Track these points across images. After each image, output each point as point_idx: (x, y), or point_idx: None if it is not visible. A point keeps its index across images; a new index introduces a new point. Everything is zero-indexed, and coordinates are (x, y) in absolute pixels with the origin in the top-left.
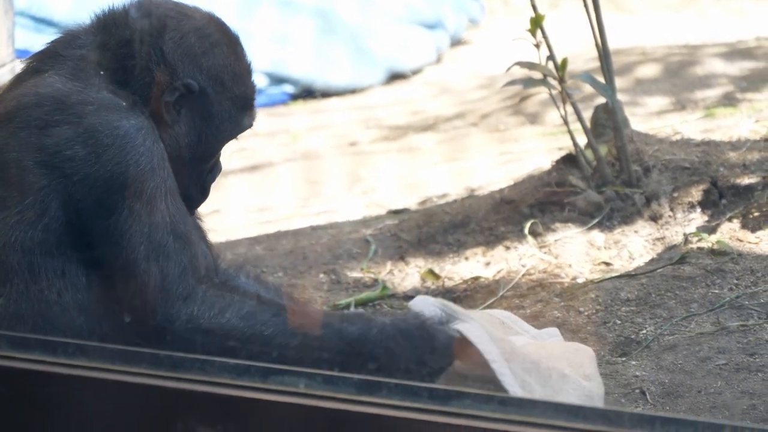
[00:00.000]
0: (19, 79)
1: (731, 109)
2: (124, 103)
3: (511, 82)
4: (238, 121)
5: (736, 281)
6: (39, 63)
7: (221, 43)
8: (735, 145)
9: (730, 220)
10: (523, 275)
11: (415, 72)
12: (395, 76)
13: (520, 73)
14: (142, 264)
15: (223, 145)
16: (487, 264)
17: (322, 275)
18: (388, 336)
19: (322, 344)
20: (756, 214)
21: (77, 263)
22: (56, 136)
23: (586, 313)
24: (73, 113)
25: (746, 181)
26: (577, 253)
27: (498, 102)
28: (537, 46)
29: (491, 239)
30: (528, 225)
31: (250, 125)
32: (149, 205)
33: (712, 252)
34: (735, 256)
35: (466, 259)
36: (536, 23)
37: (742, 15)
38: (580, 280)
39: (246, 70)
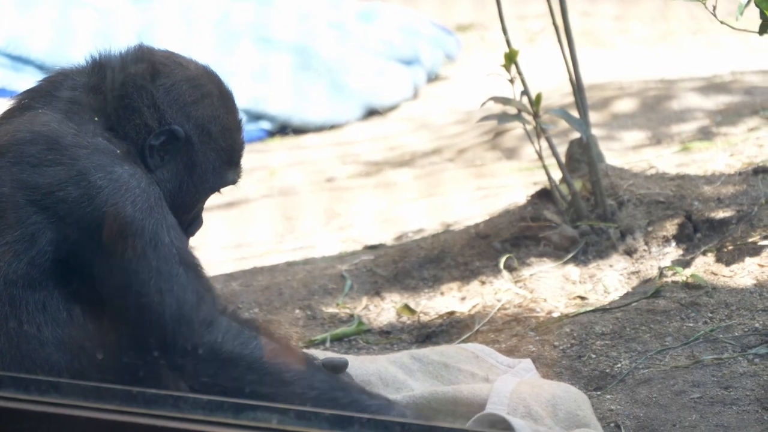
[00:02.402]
0: (9, 114)
1: (707, 144)
2: (118, 151)
3: (486, 117)
4: (221, 174)
5: (710, 315)
6: (30, 100)
7: (212, 95)
8: (710, 179)
9: (704, 253)
10: (499, 310)
11: (392, 108)
12: (372, 112)
13: (496, 108)
14: (154, 298)
15: (204, 197)
16: (463, 299)
17: (297, 311)
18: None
19: (335, 405)
20: (730, 247)
21: (59, 298)
22: (49, 177)
23: (561, 347)
24: (67, 155)
25: (721, 215)
26: (552, 287)
27: (475, 137)
28: (511, 81)
29: (467, 274)
30: (503, 260)
31: (234, 181)
32: (153, 241)
33: (687, 286)
34: (709, 289)
35: (442, 294)
36: (510, 59)
37: (718, 49)
38: (555, 315)
39: (235, 125)
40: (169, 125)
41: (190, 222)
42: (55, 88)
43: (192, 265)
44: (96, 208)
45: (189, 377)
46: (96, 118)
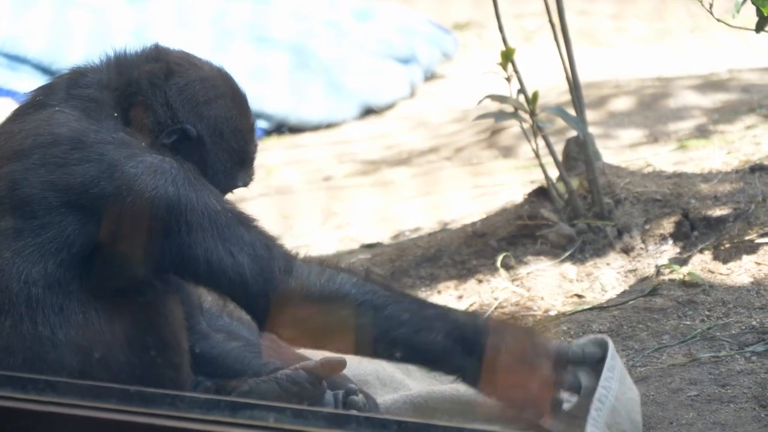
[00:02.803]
0: (23, 112)
1: (704, 141)
2: (142, 143)
3: (483, 116)
4: (233, 175)
5: (707, 313)
6: (45, 98)
7: (226, 96)
8: (707, 177)
9: (701, 251)
10: (496, 308)
11: (389, 106)
12: (369, 111)
13: (493, 106)
14: (227, 261)
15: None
16: (460, 297)
17: None
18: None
19: (431, 324)
20: (727, 245)
21: (76, 300)
22: (80, 176)
23: None
24: (94, 151)
25: (718, 213)
26: (549, 285)
27: (472, 136)
28: (508, 79)
29: (464, 273)
30: (500, 258)
31: (246, 183)
32: (206, 211)
33: (684, 284)
34: (706, 287)
35: (439, 292)
36: (507, 57)
37: (716, 47)
38: (552, 313)
39: (248, 127)
40: (181, 124)
41: None
42: (71, 86)
43: (251, 223)
44: (137, 197)
45: (283, 327)
46: (115, 114)
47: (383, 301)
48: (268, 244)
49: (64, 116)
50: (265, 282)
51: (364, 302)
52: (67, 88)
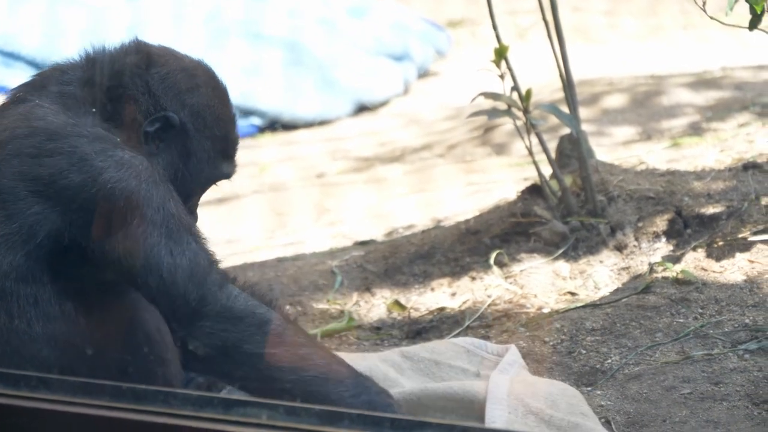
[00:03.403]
0: (4, 108)
1: (697, 139)
2: (118, 139)
3: (477, 113)
4: (216, 165)
5: (700, 310)
6: (25, 94)
7: (207, 85)
8: (700, 175)
9: (694, 249)
10: (489, 306)
11: (383, 103)
12: (363, 108)
13: (486, 103)
14: (166, 260)
15: (200, 188)
16: (453, 295)
17: (288, 307)
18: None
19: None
20: (720, 243)
21: (51, 292)
22: (50, 167)
23: (551, 343)
24: (67, 143)
25: (711, 210)
26: (542, 283)
27: (465, 133)
28: (501, 77)
29: (457, 270)
30: (493, 255)
31: (229, 174)
32: (161, 209)
33: (677, 281)
34: (699, 285)
35: (432, 290)
36: (500, 54)
37: (709, 44)
38: (545, 311)
39: (230, 117)
40: (164, 111)
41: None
42: (50, 83)
43: (201, 238)
44: (100, 188)
45: (197, 337)
46: (93, 110)
47: (299, 340)
48: (210, 259)
49: (43, 110)
50: (194, 287)
51: (283, 335)
52: (47, 85)
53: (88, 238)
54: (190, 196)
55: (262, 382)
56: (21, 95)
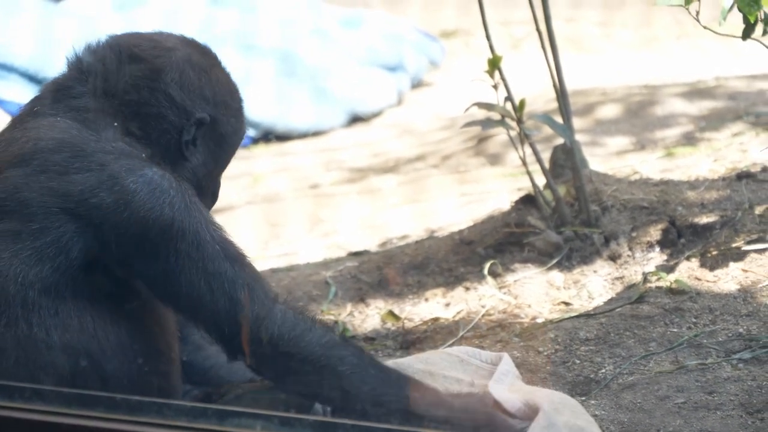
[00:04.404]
0: (22, 120)
1: (690, 149)
2: (143, 154)
3: (470, 123)
4: (241, 129)
5: (694, 320)
6: (43, 107)
7: (210, 66)
8: (693, 185)
9: (688, 259)
10: (483, 316)
11: (376, 114)
12: (356, 119)
13: (480, 114)
14: (206, 297)
15: (228, 162)
16: (447, 305)
17: None
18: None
19: (387, 391)
20: (714, 252)
21: (72, 305)
22: (80, 184)
23: (545, 353)
24: (94, 161)
25: (704, 220)
26: (536, 293)
27: (459, 143)
28: (495, 87)
29: (451, 280)
30: (487, 266)
31: (245, 131)
32: (195, 241)
33: (671, 291)
34: (693, 294)
35: (426, 300)
36: (494, 64)
37: (703, 54)
38: (539, 320)
39: (230, 79)
40: (193, 116)
41: (213, 191)
42: (62, 96)
43: (237, 257)
44: (133, 213)
45: (257, 362)
46: (115, 124)
47: (345, 370)
48: (249, 283)
49: (66, 125)
50: (237, 325)
51: (326, 366)
52: (60, 99)
53: (120, 260)
54: (222, 170)
55: (327, 392)
56: (39, 109)
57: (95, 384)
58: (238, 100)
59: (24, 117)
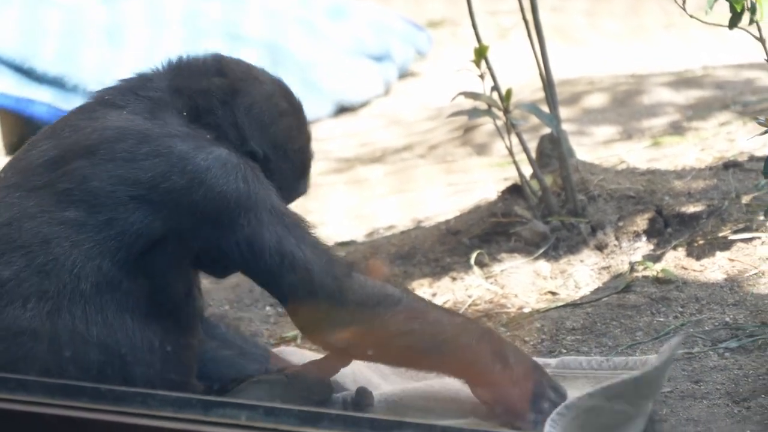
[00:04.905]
0: (90, 108)
1: (677, 138)
2: (208, 136)
3: (457, 113)
4: (294, 188)
5: (681, 309)
6: (112, 97)
7: (288, 113)
8: (680, 174)
9: (675, 248)
10: (470, 306)
11: (363, 104)
12: (343, 109)
13: (467, 103)
14: (298, 254)
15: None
16: (434, 295)
17: (268, 308)
18: None
19: (466, 327)
20: (701, 242)
21: (117, 303)
22: (149, 170)
23: (532, 343)
24: (162, 144)
25: (691, 209)
26: (523, 283)
27: (445, 133)
28: (482, 76)
29: (437, 270)
30: (474, 256)
31: (304, 192)
32: (273, 208)
33: (657, 280)
34: (680, 284)
35: (413, 290)
36: (480, 54)
37: (690, 43)
38: (526, 310)
39: (308, 140)
40: (248, 145)
41: None
42: (138, 88)
43: (311, 227)
44: (209, 189)
45: (340, 327)
46: (184, 113)
47: (426, 306)
48: (327, 247)
49: (132, 115)
50: (330, 279)
51: (414, 308)
52: (135, 90)
53: (196, 237)
54: None
55: (406, 355)
56: (108, 98)
57: (118, 383)
58: (301, 156)
59: (93, 105)
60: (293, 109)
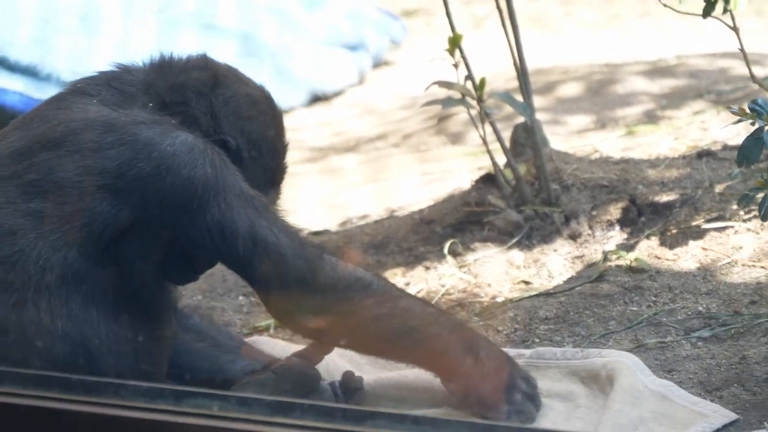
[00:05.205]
0: (61, 98)
1: (651, 127)
2: (173, 121)
3: (431, 102)
4: (264, 192)
5: (654, 298)
6: (84, 87)
7: (266, 115)
8: (654, 163)
9: (648, 237)
10: (443, 295)
11: (338, 93)
12: (317, 98)
13: (441, 92)
14: (270, 237)
15: None
16: (407, 284)
17: (241, 297)
18: None
19: (437, 319)
20: (674, 231)
21: (83, 296)
22: (115, 158)
23: (505, 332)
24: (127, 132)
25: (664, 198)
26: (496, 272)
27: (420, 122)
28: (456, 66)
29: (411, 259)
30: (447, 245)
31: (273, 202)
32: (242, 192)
33: (631, 269)
34: (653, 273)
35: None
36: (454, 43)
37: (665, 32)
38: (499, 299)
39: (283, 147)
40: (222, 135)
41: None
42: (112, 79)
43: (278, 211)
44: (176, 175)
45: (309, 309)
46: (150, 104)
47: (399, 293)
48: (298, 230)
49: (98, 107)
50: (301, 261)
51: (385, 293)
52: (109, 81)
53: (165, 223)
54: None
55: (374, 339)
56: (81, 87)
57: (84, 373)
58: (275, 160)
59: (65, 95)
60: (273, 113)
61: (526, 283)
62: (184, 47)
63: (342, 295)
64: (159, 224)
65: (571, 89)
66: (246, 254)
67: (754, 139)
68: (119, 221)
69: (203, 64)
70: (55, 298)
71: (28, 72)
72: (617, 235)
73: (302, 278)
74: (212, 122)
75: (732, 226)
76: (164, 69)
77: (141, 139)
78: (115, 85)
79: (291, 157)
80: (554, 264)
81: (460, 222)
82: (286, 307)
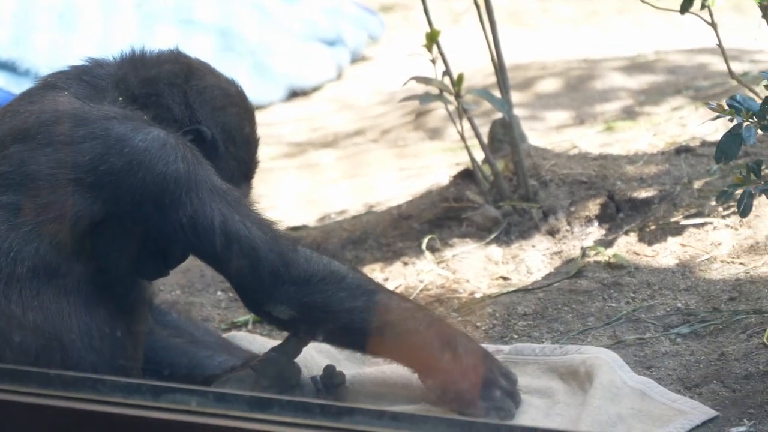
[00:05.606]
0: (32, 92)
1: (630, 123)
2: (145, 117)
3: (409, 98)
4: (237, 185)
5: (632, 294)
6: (56, 80)
7: (240, 107)
8: (632, 159)
9: (626, 233)
10: (421, 291)
11: (316, 88)
12: (295, 93)
13: (419, 88)
14: (243, 231)
15: None
16: (386, 280)
17: (219, 293)
18: None
19: (414, 314)
20: (652, 227)
21: (54, 288)
22: (87, 153)
23: (483, 328)
24: (98, 127)
25: (643, 194)
26: (474, 268)
27: (398, 118)
28: (433, 61)
29: (389, 255)
30: (426, 241)
31: (246, 196)
32: (215, 187)
33: (609, 265)
34: (632, 269)
35: None
36: (432, 39)
37: (644, 28)
38: (477, 295)
39: (255, 141)
40: (198, 124)
41: None
42: (83, 73)
43: (252, 204)
44: (148, 171)
45: (283, 302)
46: (120, 98)
47: (375, 287)
48: (271, 223)
49: (70, 99)
50: (273, 254)
51: (359, 286)
52: (80, 75)
53: (138, 218)
54: None
55: (348, 332)
56: (52, 81)
57: (56, 368)
58: (248, 153)
59: (37, 89)
60: (246, 106)
61: (505, 278)
62: (162, 42)
63: (316, 287)
64: (131, 219)
65: (549, 85)
66: (220, 248)
67: (733, 135)
68: (91, 215)
69: (175, 57)
70: (26, 290)
71: (7, 68)
72: (596, 231)
73: (276, 271)
74: (187, 112)
75: (711, 223)
76: (136, 63)
77: (113, 135)
78: (86, 79)
79: (269, 153)
80: (532, 260)
81: (439, 218)
82: (260, 299)
